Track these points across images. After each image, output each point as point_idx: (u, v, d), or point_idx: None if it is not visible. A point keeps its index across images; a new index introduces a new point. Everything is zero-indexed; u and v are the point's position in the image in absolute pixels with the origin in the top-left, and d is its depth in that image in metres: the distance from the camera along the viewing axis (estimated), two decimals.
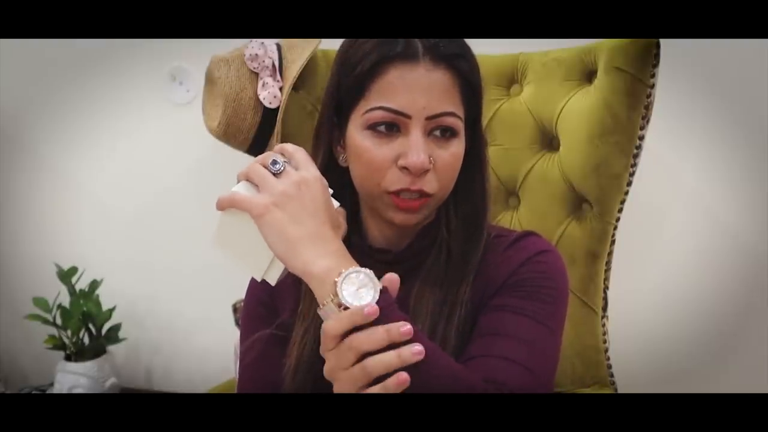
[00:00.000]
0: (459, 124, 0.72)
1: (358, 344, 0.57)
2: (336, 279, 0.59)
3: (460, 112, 0.72)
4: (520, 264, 0.74)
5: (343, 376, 0.58)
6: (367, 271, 0.60)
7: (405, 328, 0.57)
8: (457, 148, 0.72)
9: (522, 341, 0.68)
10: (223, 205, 0.65)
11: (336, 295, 0.59)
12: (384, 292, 0.60)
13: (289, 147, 0.68)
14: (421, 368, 0.58)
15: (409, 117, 0.69)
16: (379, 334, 0.57)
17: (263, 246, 0.64)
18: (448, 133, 0.71)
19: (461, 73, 0.71)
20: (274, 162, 0.65)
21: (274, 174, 0.65)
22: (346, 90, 0.72)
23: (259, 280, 0.67)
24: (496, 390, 0.62)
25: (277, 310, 0.81)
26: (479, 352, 0.68)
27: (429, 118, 0.69)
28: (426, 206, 0.72)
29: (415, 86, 0.69)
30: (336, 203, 0.69)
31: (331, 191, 0.68)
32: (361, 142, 0.71)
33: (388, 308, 0.59)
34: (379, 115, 0.69)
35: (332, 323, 0.58)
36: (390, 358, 0.57)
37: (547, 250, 0.77)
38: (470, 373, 0.63)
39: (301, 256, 0.62)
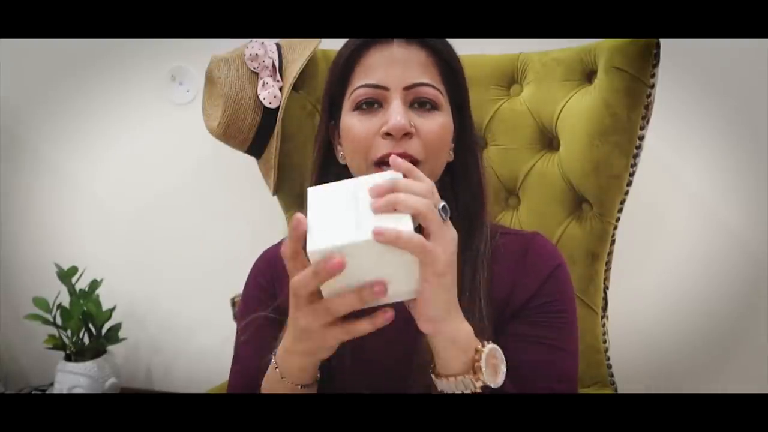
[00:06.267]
0: (440, 97, 0.75)
1: (335, 308, 0.57)
2: (478, 360, 0.62)
3: (440, 87, 0.75)
4: (541, 283, 0.76)
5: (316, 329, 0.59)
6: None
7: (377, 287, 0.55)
8: (441, 119, 0.75)
9: (546, 364, 0.72)
10: (388, 240, 0.53)
11: (478, 371, 0.62)
12: None
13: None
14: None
15: (387, 89, 0.73)
16: (351, 298, 0.56)
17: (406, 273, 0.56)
18: (429, 104, 0.74)
19: (435, 50, 0.75)
20: (445, 209, 0.58)
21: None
22: (335, 84, 0.77)
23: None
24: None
25: (276, 294, 0.82)
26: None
27: (406, 89, 0.73)
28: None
29: (390, 61, 0.73)
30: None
31: None
32: (348, 123, 0.75)
33: None
34: (361, 92, 0.74)
35: (299, 279, 0.57)
36: (351, 299, 0.56)
37: (560, 264, 0.79)
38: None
39: (454, 321, 0.62)
